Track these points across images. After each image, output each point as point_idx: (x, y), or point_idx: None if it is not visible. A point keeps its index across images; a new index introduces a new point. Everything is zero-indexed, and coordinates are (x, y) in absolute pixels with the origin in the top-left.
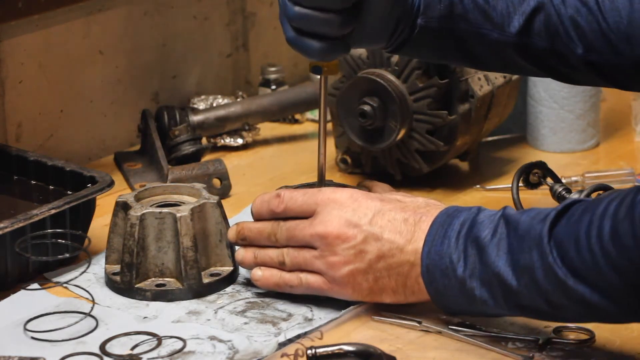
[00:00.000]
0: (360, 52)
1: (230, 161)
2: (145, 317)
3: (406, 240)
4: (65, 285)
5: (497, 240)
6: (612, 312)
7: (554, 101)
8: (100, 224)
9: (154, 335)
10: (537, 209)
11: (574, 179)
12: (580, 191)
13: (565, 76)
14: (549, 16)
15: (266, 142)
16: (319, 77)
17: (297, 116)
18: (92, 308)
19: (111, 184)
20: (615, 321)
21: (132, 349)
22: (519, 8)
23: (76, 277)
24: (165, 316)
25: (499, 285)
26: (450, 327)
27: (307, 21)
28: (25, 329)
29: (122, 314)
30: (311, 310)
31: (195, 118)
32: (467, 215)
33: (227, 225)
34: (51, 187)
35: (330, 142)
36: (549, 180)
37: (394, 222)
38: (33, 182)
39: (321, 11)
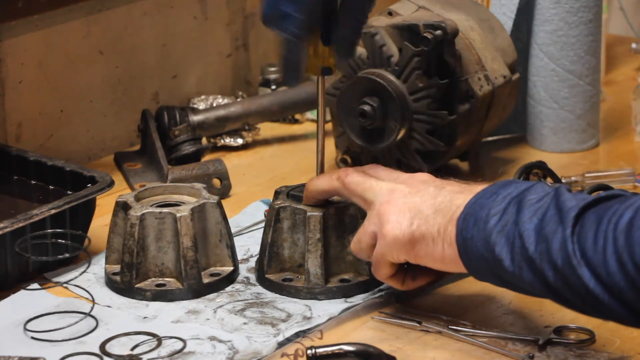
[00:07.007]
0: (360, 52)
1: (230, 161)
2: (145, 317)
3: (461, 190)
4: (65, 285)
5: (538, 207)
6: (605, 301)
7: (554, 101)
8: (100, 224)
9: (154, 335)
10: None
11: (574, 179)
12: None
13: None
14: None
15: (266, 142)
16: (320, 77)
17: (297, 116)
18: (92, 308)
19: (111, 184)
20: (607, 314)
21: (132, 349)
22: None
23: (76, 277)
24: (165, 316)
25: (519, 248)
26: (450, 327)
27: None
28: (25, 329)
29: (122, 314)
30: (310, 310)
31: (195, 118)
32: (528, 184)
33: (227, 225)
34: (51, 187)
35: (330, 142)
36: (549, 180)
37: (453, 185)
38: (33, 182)
39: None
